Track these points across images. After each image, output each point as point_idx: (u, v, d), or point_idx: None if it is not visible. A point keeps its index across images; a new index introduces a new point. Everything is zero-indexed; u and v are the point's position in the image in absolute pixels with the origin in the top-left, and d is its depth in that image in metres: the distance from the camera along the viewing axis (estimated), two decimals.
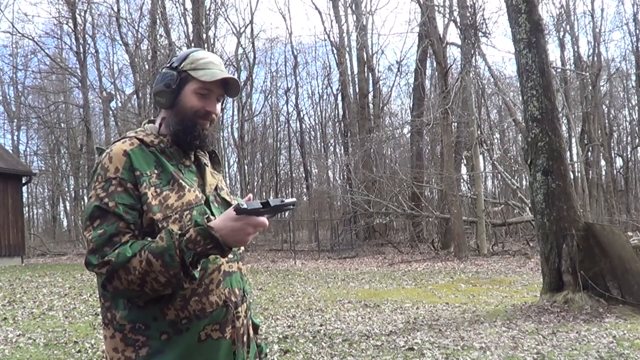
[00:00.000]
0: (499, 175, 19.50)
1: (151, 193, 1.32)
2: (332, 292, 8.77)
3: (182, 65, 1.45)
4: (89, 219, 1.29)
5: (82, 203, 27.13)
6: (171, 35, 21.77)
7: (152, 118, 1.54)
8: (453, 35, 22.88)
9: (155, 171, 1.36)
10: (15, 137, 28.23)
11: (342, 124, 24.27)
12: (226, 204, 1.47)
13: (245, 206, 1.20)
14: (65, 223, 32.09)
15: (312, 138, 29.85)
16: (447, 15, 16.18)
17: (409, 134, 21.01)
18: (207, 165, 1.51)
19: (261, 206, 1.22)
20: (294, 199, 1.31)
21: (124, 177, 1.31)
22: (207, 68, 1.44)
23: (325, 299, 7.96)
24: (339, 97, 24.68)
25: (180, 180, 1.39)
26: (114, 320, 1.32)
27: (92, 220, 1.28)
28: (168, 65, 1.46)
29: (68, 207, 30.46)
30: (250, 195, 1.42)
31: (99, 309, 1.43)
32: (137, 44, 21.88)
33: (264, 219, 1.25)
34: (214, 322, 1.34)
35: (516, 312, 6.21)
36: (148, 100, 22.81)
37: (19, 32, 22.83)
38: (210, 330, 1.34)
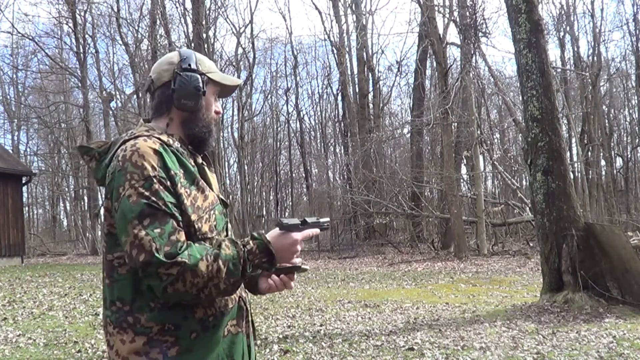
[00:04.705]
0: (499, 175, 19.49)
1: (184, 193, 1.32)
2: (332, 292, 8.77)
3: (200, 68, 1.46)
4: (138, 217, 1.23)
5: (82, 203, 27.12)
6: (171, 35, 21.77)
7: (147, 117, 1.52)
8: (453, 35, 22.82)
9: (181, 171, 1.36)
10: (15, 137, 28.24)
11: (342, 124, 24.26)
12: (223, 203, 1.47)
13: (287, 222, 1.34)
14: (65, 223, 32.09)
15: (312, 138, 29.84)
16: (447, 15, 16.18)
17: (409, 134, 21.00)
18: (204, 165, 1.51)
19: (300, 223, 1.34)
20: (327, 219, 1.45)
21: (162, 176, 1.29)
22: (217, 71, 1.50)
23: (325, 299, 7.96)
24: (339, 97, 24.66)
25: (201, 181, 1.40)
26: (137, 324, 1.29)
27: (142, 219, 1.23)
28: (186, 66, 1.43)
29: (68, 207, 30.47)
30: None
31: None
32: (137, 44, 21.87)
33: (308, 234, 1.38)
34: (232, 317, 1.40)
35: (516, 312, 6.22)
36: (148, 100, 22.77)
37: (19, 32, 22.83)
38: (230, 325, 1.39)
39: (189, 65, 1.44)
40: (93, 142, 1.44)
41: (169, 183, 1.29)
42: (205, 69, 1.47)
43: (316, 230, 1.41)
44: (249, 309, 1.48)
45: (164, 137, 1.39)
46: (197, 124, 1.45)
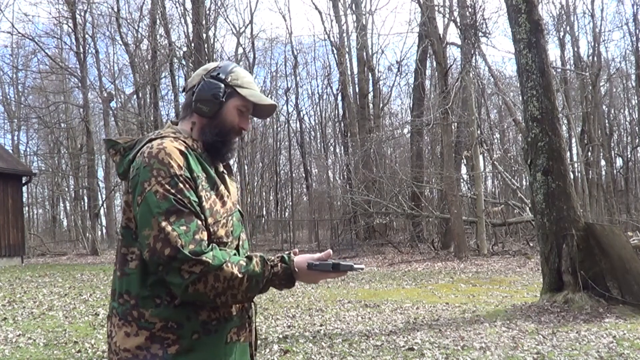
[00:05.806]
0: (499, 175, 19.49)
1: (204, 196, 1.35)
2: (332, 292, 8.77)
3: (228, 79, 1.46)
4: (165, 212, 1.25)
5: (82, 203, 27.09)
6: (171, 35, 21.79)
7: (175, 120, 1.54)
8: (453, 35, 22.85)
9: (204, 175, 1.38)
10: (15, 137, 28.25)
11: (342, 124, 24.26)
12: (239, 214, 1.51)
13: (317, 264, 1.36)
14: (65, 223, 32.10)
15: (312, 138, 29.87)
16: (447, 15, 16.17)
17: (409, 134, 20.98)
18: (225, 173, 1.53)
19: (331, 269, 1.37)
20: (362, 266, 1.44)
21: (187, 176, 1.32)
22: (250, 88, 1.49)
23: (325, 299, 7.96)
24: (339, 97, 24.67)
25: (221, 187, 1.42)
26: (141, 318, 1.31)
27: (168, 215, 1.25)
28: (214, 74, 1.46)
29: (68, 207, 30.46)
30: (330, 251, 1.43)
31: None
32: (137, 44, 21.88)
33: (334, 276, 1.40)
34: (235, 325, 1.40)
35: (516, 312, 6.22)
36: (148, 100, 22.80)
37: (19, 32, 22.82)
38: (233, 333, 1.40)
39: (218, 74, 1.46)
40: (120, 138, 1.46)
41: (192, 184, 1.32)
42: (235, 82, 1.47)
43: (344, 272, 1.41)
44: (252, 318, 1.48)
45: (189, 141, 1.42)
46: (211, 132, 1.46)
